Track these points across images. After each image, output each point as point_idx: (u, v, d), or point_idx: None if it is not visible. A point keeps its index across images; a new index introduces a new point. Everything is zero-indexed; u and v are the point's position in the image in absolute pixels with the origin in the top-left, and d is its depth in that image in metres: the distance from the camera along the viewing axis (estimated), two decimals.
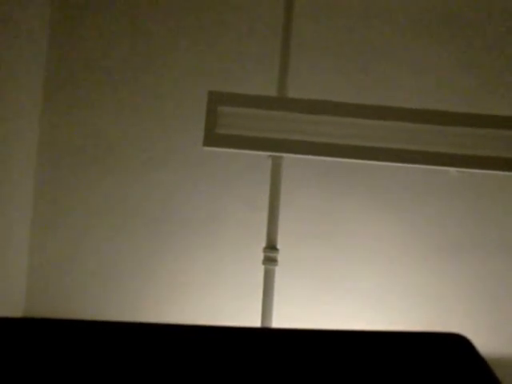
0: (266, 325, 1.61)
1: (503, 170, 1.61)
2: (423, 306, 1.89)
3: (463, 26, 1.97)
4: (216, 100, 1.60)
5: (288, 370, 0.83)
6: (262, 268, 1.64)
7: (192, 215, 1.89)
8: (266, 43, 1.92)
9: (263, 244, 1.65)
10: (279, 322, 1.67)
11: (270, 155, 1.65)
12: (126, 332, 0.89)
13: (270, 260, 1.63)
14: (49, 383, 0.79)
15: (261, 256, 1.64)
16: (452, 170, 1.63)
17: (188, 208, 1.89)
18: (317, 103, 1.62)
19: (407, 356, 0.87)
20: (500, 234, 1.92)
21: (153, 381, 0.80)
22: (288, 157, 1.64)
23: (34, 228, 1.87)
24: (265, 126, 1.59)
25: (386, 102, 1.66)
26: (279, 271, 1.65)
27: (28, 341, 0.86)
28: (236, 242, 1.88)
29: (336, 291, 1.88)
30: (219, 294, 1.87)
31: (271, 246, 1.64)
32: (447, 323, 1.87)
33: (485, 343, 1.56)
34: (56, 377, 0.79)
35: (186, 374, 0.81)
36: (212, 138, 1.58)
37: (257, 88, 1.77)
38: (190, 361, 0.83)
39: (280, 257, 1.64)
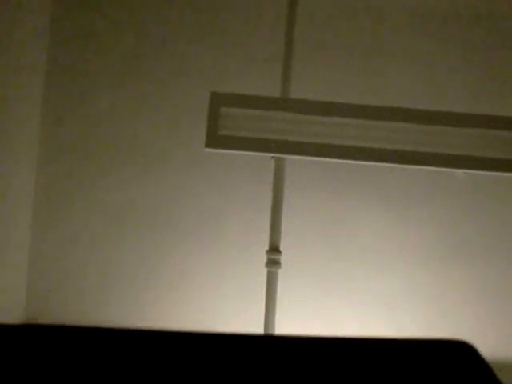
0: (269, 328, 1.60)
1: (510, 171, 1.60)
2: (429, 308, 1.88)
3: (467, 26, 1.95)
4: (218, 101, 1.58)
5: (290, 378, 0.82)
6: (264, 271, 1.63)
7: (194, 217, 1.88)
8: (269, 44, 1.90)
9: (266, 246, 1.63)
10: (282, 325, 1.66)
11: (273, 156, 1.64)
12: (127, 339, 0.88)
13: (273, 262, 1.62)
14: None
15: (264, 258, 1.63)
16: (459, 171, 1.61)
17: (190, 210, 1.88)
18: (320, 104, 1.60)
19: (411, 363, 0.85)
20: (507, 236, 1.91)
21: None
22: (291, 158, 1.63)
23: (34, 228, 1.86)
24: (267, 127, 1.58)
25: (391, 103, 1.65)
26: (282, 274, 1.64)
27: (28, 348, 0.85)
28: (239, 245, 1.87)
29: (340, 293, 1.86)
30: (222, 297, 1.86)
31: (274, 249, 1.63)
32: (453, 325, 1.85)
33: (492, 347, 1.54)
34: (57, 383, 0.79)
35: (188, 381, 0.80)
36: (214, 139, 1.57)
37: (260, 89, 1.76)
38: (192, 369, 0.82)
39: (283, 259, 1.63)
